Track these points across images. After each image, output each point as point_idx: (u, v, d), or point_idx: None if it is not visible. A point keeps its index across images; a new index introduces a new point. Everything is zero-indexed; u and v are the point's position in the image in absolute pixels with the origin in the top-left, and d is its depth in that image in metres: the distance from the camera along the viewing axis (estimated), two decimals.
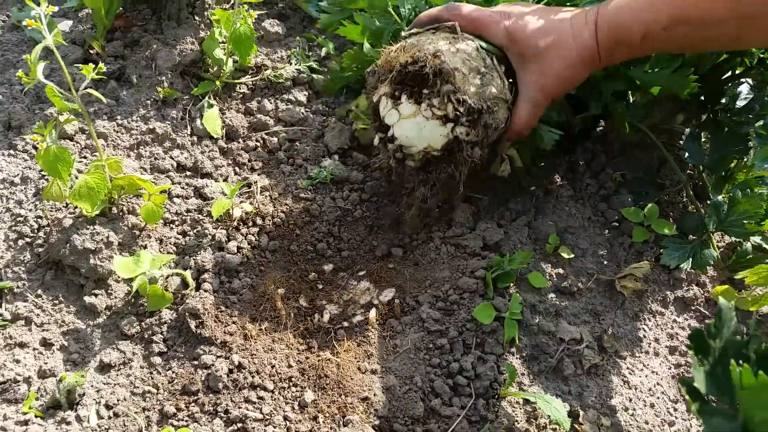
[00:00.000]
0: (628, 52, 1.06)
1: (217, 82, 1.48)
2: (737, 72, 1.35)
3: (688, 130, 1.41)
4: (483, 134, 1.10)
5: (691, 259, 1.31)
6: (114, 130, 1.35)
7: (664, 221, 1.36)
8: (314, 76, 1.58)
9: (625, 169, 1.47)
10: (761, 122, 1.33)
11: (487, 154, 1.16)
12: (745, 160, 1.40)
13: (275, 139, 1.46)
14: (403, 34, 1.20)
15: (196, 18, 1.57)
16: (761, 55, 1.31)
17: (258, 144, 1.46)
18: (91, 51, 1.47)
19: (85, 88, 1.07)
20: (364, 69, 1.37)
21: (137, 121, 1.38)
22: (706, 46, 1.11)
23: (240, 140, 1.45)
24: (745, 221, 1.29)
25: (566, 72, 1.07)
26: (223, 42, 1.49)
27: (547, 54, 1.06)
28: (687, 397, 0.69)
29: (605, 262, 1.33)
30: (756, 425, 0.64)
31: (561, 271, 1.28)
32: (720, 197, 1.36)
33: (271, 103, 1.51)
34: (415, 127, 1.12)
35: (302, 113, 1.51)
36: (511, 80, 1.14)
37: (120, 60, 1.48)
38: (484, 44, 1.13)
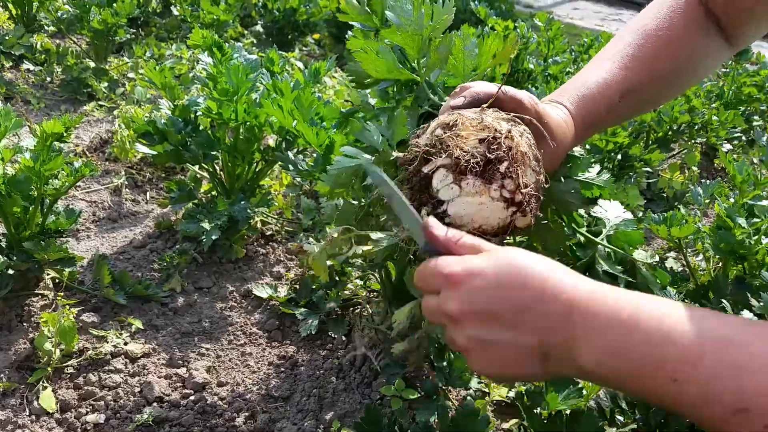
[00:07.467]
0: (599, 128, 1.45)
1: (49, 369, 1.88)
2: None
3: None
4: (529, 222, 1.11)
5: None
6: None
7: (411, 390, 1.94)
8: (128, 348, 2.06)
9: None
10: None
11: None
12: None
13: (102, 402, 1.86)
14: (443, 107, 1.21)
15: (25, 324, 2.00)
16: None
17: (88, 410, 1.84)
18: None
19: None
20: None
21: None
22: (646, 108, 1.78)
23: (73, 410, 1.83)
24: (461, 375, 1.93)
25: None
26: (50, 337, 1.93)
27: None
28: None
29: None
30: None
31: None
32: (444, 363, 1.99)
33: (95, 375, 1.93)
34: (475, 207, 1.07)
35: (121, 378, 1.95)
36: None
37: None
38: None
